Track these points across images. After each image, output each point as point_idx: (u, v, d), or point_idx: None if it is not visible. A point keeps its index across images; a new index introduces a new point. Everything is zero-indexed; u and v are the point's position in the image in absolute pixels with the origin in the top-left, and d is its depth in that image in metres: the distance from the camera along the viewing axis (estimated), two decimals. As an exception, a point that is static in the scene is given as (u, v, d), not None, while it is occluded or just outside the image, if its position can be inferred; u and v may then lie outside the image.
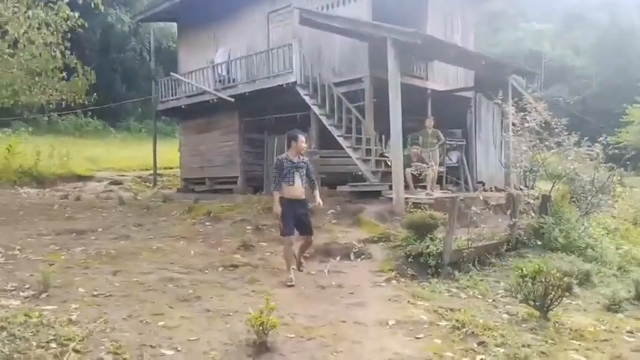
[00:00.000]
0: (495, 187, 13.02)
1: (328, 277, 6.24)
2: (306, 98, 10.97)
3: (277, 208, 5.89)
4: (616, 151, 10.06)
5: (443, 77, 12.80)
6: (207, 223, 9.38)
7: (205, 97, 13.46)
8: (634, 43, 32.72)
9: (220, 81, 13.26)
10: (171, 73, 15.09)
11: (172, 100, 14.93)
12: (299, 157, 6.02)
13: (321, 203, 6.13)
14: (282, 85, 11.30)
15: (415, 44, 8.93)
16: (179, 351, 3.69)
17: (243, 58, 12.72)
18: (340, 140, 10.41)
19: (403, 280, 6.21)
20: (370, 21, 10.33)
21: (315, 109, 10.91)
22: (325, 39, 11.37)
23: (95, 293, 4.93)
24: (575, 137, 8.73)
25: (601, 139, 8.91)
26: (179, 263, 6.56)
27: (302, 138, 6.06)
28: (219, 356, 3.66)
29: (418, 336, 4.21)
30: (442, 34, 12.23)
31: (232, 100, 12.67)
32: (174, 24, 17.79)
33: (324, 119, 10.73)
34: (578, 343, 4.28)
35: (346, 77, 11.15)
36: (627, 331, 4.74)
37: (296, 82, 11.03)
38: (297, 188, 5.93)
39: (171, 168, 18.93)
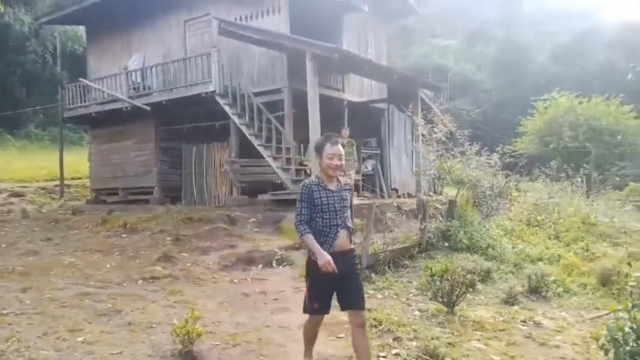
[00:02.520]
0: (408, 194, 13.77)
1: (251, 284, 6.34)
2: (226, 108, 10.98)
3: (324, 256, 3.27)
4: (512, 159, 11.15)
5: (359, 89, 13.38)
6: (123, 235, 9.08)
7: (118, 104, 12.96)
8: (529, 58, 35.91)
9: (135, 88, 12.85)
10: (80, 79, 14.34)
11: (81, 107, 14.21)
12: (338, 183, 3.55)
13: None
14: (201, 94, 11.20)
15: (332, 58, 9.32)
16: (102, 365, 3.64)
17: (160, 65, 12.45)
18: (260, 149, 10.53)
19: (324, 284, 6.46)
20: (289, 34, 10.59)
21: (235, 118, 10.95)
22: (244, 49, 11.45)
23: (4, 312, 4.68)
24: (476, 147, 9.60)
25: (498, 148, 9.92)
26: (95, 277, 6.34)
27: (331, 148, 3.46)
28: (145, 368, 3.67)
29: (339, 335, 4.47)
30: (357, 49, 12.82)
31: (148, 108, 12.32)
32: (81, 26, 16.86)
33: (243, 129, 10.80)
34: (480, 333, 4.77)
35: (266, 87, 11.31)
36: (521, 321, 5.33)
37: (215, 91, 10.99)
38: (342, 234, 3.48)
39: (79, 178, 17.89)
